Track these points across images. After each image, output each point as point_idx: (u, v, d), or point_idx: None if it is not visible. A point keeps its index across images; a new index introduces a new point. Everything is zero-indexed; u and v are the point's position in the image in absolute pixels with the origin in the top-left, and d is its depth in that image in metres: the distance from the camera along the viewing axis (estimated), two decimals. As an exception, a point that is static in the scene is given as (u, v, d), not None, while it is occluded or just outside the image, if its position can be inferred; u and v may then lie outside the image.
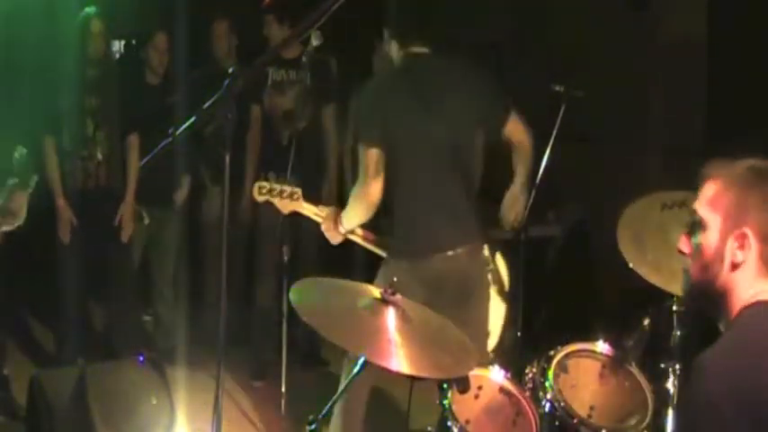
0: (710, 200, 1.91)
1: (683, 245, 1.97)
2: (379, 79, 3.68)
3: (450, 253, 3.44)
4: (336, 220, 3.56)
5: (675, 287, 3.01)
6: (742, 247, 1.86)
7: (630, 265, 3.19)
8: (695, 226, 1.93)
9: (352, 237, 3.63)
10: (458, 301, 3.41)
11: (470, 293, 3.55)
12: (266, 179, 3.75)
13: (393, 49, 3.55)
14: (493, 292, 3.81)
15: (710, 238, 1.90)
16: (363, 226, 3.60)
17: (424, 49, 3.51)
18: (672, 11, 5.42)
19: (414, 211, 3.46)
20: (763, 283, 1.86)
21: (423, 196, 3.45)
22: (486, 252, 3.74)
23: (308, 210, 3.68)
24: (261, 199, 3.74)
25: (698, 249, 1.93)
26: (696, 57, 5.18)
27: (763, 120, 4.61)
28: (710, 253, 1.90)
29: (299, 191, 3.69)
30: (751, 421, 1.72)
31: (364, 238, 3.66)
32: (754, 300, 1.86)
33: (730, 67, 4.93)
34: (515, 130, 3.56)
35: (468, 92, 3.48)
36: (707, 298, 1.94)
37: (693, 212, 1.95)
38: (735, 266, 1.87)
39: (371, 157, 3.36)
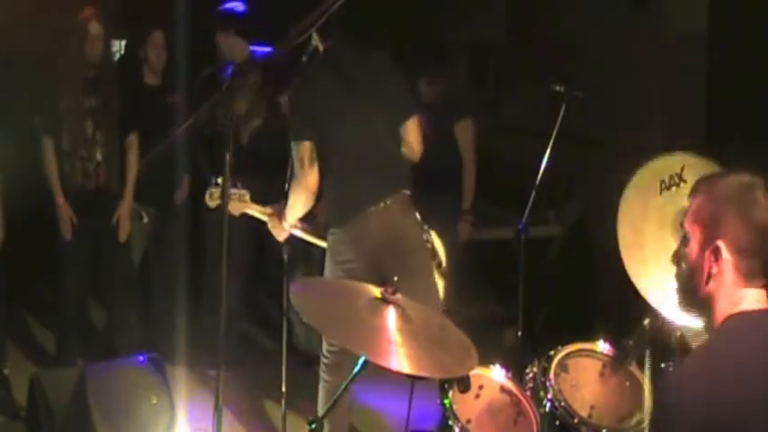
0: (693, 213, 1.97)
1: (674, 257, 2.03)
2: (303, 75, 3.81)
3: (381, 205, 3.61)
4: (280, 217, 3.79)
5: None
6: (717, 259, 1.90)
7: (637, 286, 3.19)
8: (684, 238, 1.99)
9: (296, 231, 3.85)
10: (400, 265, 3.52)
11: (409, 254, 3.68)
12: (218, 184, 3.81)
13: (317, 43, 3.73)
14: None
15: (692, 249, 1.96)
16: (305, 221, 3.83)
17: (343, 44, 3.72)
18: (672, 10, 5.42)
19: (341, 179, 3.66)
20: (743, 293, 1.90)
21: (348, 167, 3.64)
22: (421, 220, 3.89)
23: (256, 210, 3.91)
24: (213, 204, 3.90)
25: (684, 259, 1.98)
26: (697, 57, 5.18)
27: (764, 119, 4.61)
28: (692, 263, 1.96)
29: (247, 193, 3.89)
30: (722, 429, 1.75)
31: (305, 231, 3.87)
32: (737, 310, 1.90)
33: (731, 67, 4.93)
34: (412, 130, 3.77)
35: (382, 82, 3.72)
36: (693, 306, 2.00)
37: (683, 225, 2.00)
38: (711, 278, 1.92)
39: (305, 149, 3.63)
